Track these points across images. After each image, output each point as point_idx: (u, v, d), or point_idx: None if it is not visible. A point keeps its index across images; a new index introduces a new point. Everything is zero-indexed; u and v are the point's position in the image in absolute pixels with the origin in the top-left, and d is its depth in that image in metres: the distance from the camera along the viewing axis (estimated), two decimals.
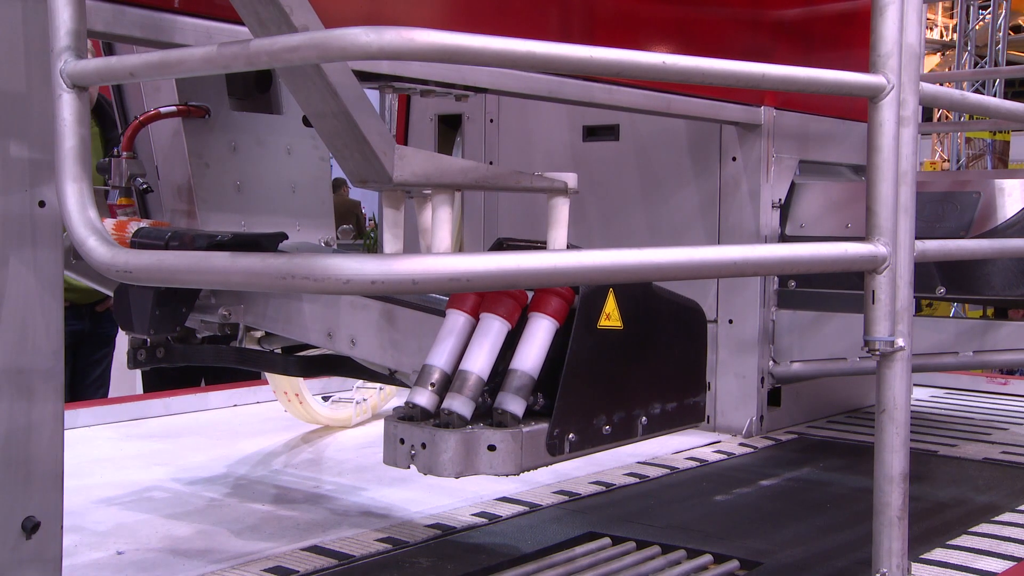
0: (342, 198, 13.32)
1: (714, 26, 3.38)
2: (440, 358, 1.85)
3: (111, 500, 2.73)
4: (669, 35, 3.16)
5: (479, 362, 1.82)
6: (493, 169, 1.93)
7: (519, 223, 3.99)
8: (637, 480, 2.93)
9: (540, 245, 1.91)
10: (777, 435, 3.57)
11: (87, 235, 1.50)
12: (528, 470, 1.82)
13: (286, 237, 2.28)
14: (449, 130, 4.25)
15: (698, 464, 3.14)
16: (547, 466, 1.85)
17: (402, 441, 1.81)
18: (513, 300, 1.86)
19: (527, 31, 2.61)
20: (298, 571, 2.17)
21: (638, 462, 3.10)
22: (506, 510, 2.61)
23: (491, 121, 4.11)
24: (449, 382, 1.83)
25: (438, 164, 1.84)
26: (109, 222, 2.36)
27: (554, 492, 2.76)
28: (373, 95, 2.21)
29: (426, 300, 2.16)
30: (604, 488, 2.83)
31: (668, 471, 3.03)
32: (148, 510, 2.64)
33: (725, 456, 3.27)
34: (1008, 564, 2.30)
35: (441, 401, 1.82)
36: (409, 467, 1.81)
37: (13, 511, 1.71)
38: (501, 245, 2.05)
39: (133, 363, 2.46)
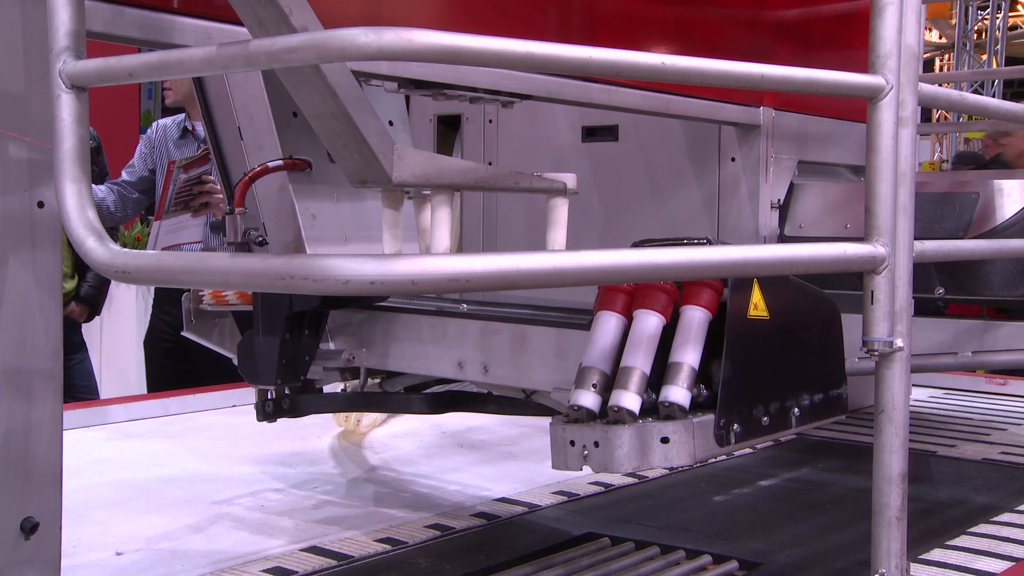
0: None
1: (713, 26, 3.37)
2: (598, 359, 1.85)
3: (111, 500, 2.73)
4: (668, 35, 3.16)
5: (640, 357, 1.82)
6: (492, 170, 1.94)
7: (519, 224, 3.98)
8: (636, 480, 2.92)
9: (679, 241, 1.91)
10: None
11: (86, 235, 1.50)
12: (700, 461, 1.83)
13: None
14: (448, 131, 4.25)
15: (697, 464, 3.14)
16: (715, 458, 1.85)
17: (572, 443, 1.81)
18: (666, 295, 1.87)
19: (527, 31, 2.61)
20: (297, 572, 2.17)
21: None
22: (505, 510, 2.61)
23: (490, 122, 4.11)
24: (609, 381, 1.83)
25: (437, 165, 1.84)
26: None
27: (553, 492, 2.76)
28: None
29: (558, 316, 2.18)
30: (603, 488, 2.83)
31: (667, 471, 3.03)
32: (148, 510, 2.64)
33: (724, 456, 3.27)
34: (1007, 564, 2.30)
35: (604, 401, 1.82)
36: (582, 468, 1.81)
37: (12, 512, 1.71)
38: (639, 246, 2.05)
39: (262, 415, 2.51)
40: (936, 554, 2.35)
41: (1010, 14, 16.57)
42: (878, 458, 1.90)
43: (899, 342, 1.88)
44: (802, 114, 3.63)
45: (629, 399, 1.79)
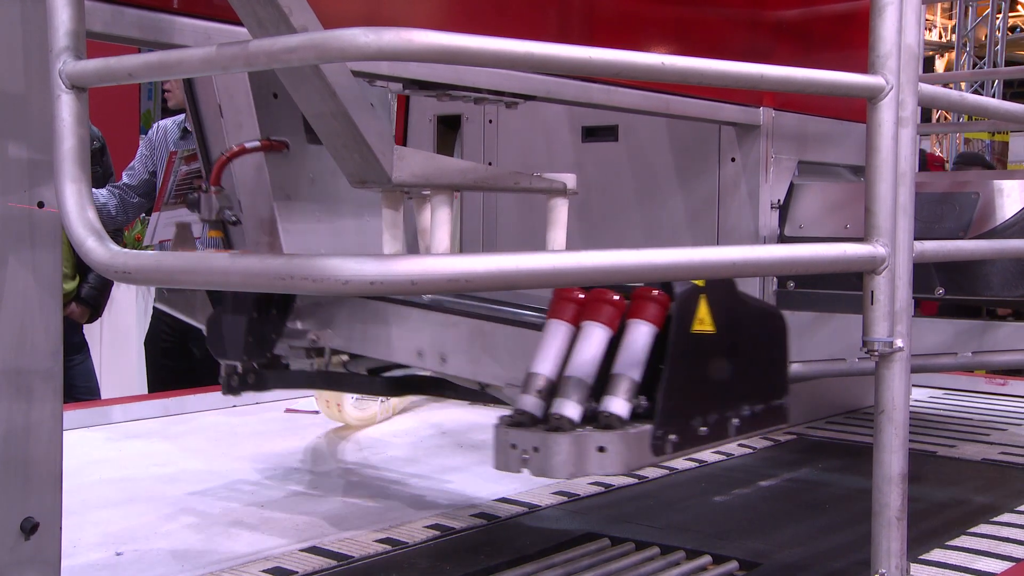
0: None
1: (713, 26, 3.37)
2: (545, 366, 1.90)
3: (111, 500, 2.73)
4: (668, 35, 3.16)
5: (585, 367, 1.87)
6: (492, 170, 1.95)
7: (519, 224, 3.98)
8: (636, 481, 2.92)
9: None
10: (775, 435, 3.56)
11: (86, 235, 1.50)
12: (635, 470, 1.89)
13: None
14: (448, 131, 4.25)
15: (697, 465, 3.14)
16: (651, 466, 1.90)
17: (513, 446, 1.86)
18: (614, 308, 1.91)
19: (526, 32, 2.61)
20: (297, 572, 2.17)
21: None
22: (505, 511, 2.61)
23: (490, 122, 4.11)
24: (554, 388, 1.87)
25: (437, 165, 1.85)
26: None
27: (553, 493, 2.76)
28: None
29: (516, 315, 2.24)
30: (603, 489, 2.83)
31: (667, 471, 3.03)
32: (148, 511, 2.64)
33: (724, 457, 3.27)
34: (1007, 565, 2.30)
35: (548, 407, 1.86)
36: (521, 471, 1.87)
37: (12, 512, 1.71)
38: None
39: (227, 389, 2.58)
40: (936, 554, 2.35)
41: (1010, 15, 16.56)
42: (878, 458, 1.90)
43: (899, 342, 1.88)
44: (802, 114, 3.63)
45: (570, 408, 1.84)
